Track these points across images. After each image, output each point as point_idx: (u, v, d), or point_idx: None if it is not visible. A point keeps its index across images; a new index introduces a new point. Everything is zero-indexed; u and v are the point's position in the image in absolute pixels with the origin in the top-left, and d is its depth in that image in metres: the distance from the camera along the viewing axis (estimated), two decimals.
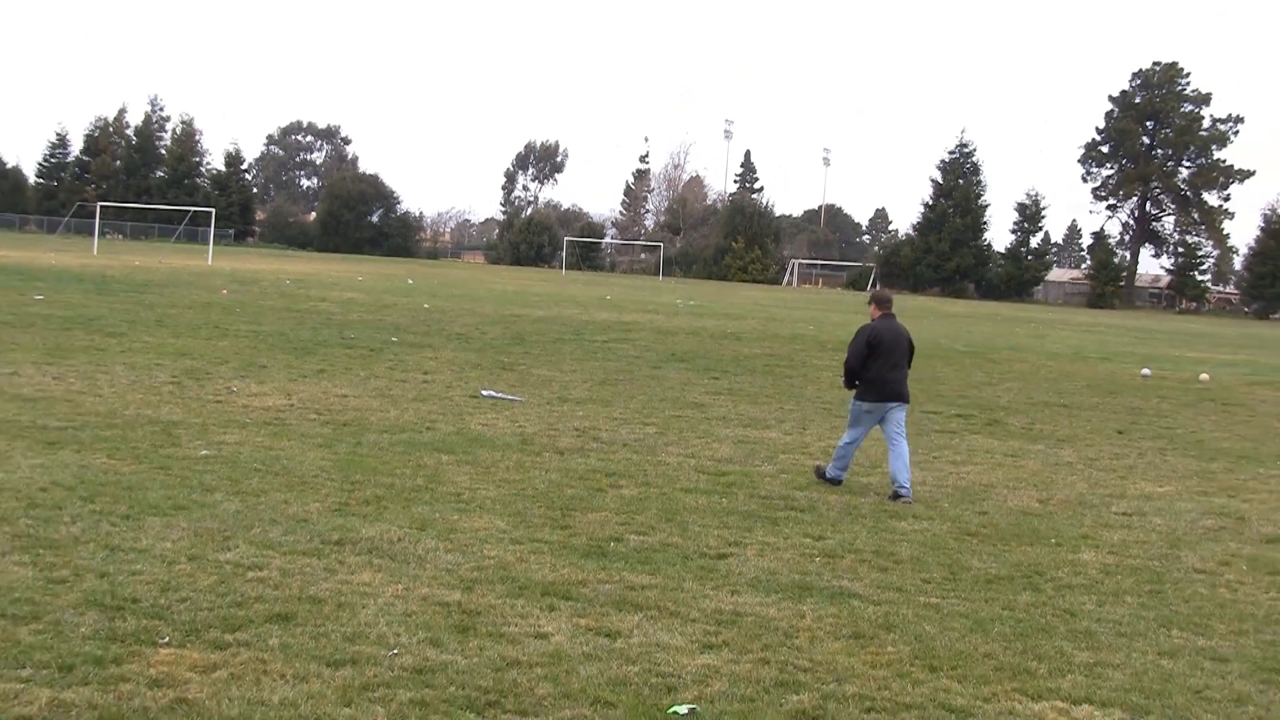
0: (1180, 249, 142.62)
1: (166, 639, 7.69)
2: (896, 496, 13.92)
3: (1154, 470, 17.44)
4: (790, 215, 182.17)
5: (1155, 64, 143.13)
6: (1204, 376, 34.18)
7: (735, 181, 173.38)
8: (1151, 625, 9.58)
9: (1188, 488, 16.14)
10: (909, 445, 14.44)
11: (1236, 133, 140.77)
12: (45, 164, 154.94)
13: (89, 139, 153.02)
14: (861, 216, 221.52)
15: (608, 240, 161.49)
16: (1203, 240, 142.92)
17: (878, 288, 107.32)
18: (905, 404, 14.55)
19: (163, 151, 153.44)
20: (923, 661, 8.29)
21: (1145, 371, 34.57)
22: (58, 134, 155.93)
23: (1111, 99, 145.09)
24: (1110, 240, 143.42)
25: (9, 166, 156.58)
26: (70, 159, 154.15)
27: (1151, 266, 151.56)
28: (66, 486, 11.56)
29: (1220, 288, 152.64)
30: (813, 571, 10.49)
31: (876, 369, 14.34)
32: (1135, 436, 20.98)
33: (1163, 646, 9.04)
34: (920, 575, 10.64)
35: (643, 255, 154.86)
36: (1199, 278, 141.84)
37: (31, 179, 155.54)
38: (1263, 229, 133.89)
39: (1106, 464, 17.72)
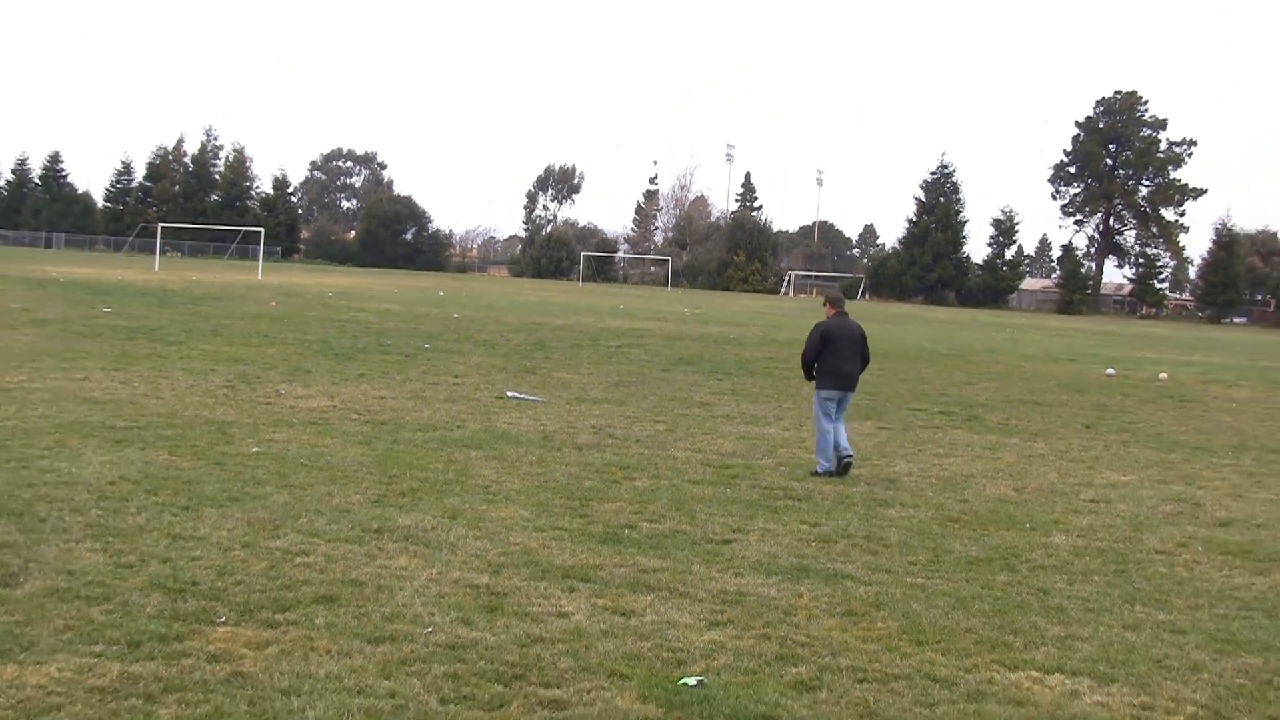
0: (1141, 260, 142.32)
1: (223, 618, 7.71)
2: (843, 461, 14.44)
3: (1118, 461, 17.41)
4: (787, 231, 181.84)
5: (1117, 92, 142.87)
6: (1163, 375, 34.09)
7: (737, 200, 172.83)
8: (1117, 601, 9.56)
9: (1149, 476, 16.11)
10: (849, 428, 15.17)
11: (1190, 154, 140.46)
12: (112, 189, 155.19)
13: (151, 166, 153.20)
14: (852, 231, 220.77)
15: (620, 254, 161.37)
16: (1161, 252, 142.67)
17: (863, 295, 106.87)
18: (853, 393, 15.06)
19: (217, 177, 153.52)
20: (910, 636, 8.28)
21: (1110, 371, 34.49)
22: (123, 162, 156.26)
23: (1078, 124, 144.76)
24: (1077, 252, 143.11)
25: (80, 192, 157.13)
26: (134, 184, 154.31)
27: (1115, 276, 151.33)
28: (132, 480, 11.59)
29: (1177, 295, 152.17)
30: (809, 555, 10.48)
31: (832, 360, 14.82)
32: (1101, 430, 20.94)
33: (1127, 620, 9.02)
34: (907, 558, 10.63)
35: (653, 268, 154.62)
36: (1158, 286, 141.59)
37: (100, 203, 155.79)
38: (1214, 242, 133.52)
39: (1075, 455, 17.68)
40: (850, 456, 14.55)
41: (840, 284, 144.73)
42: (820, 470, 14.58)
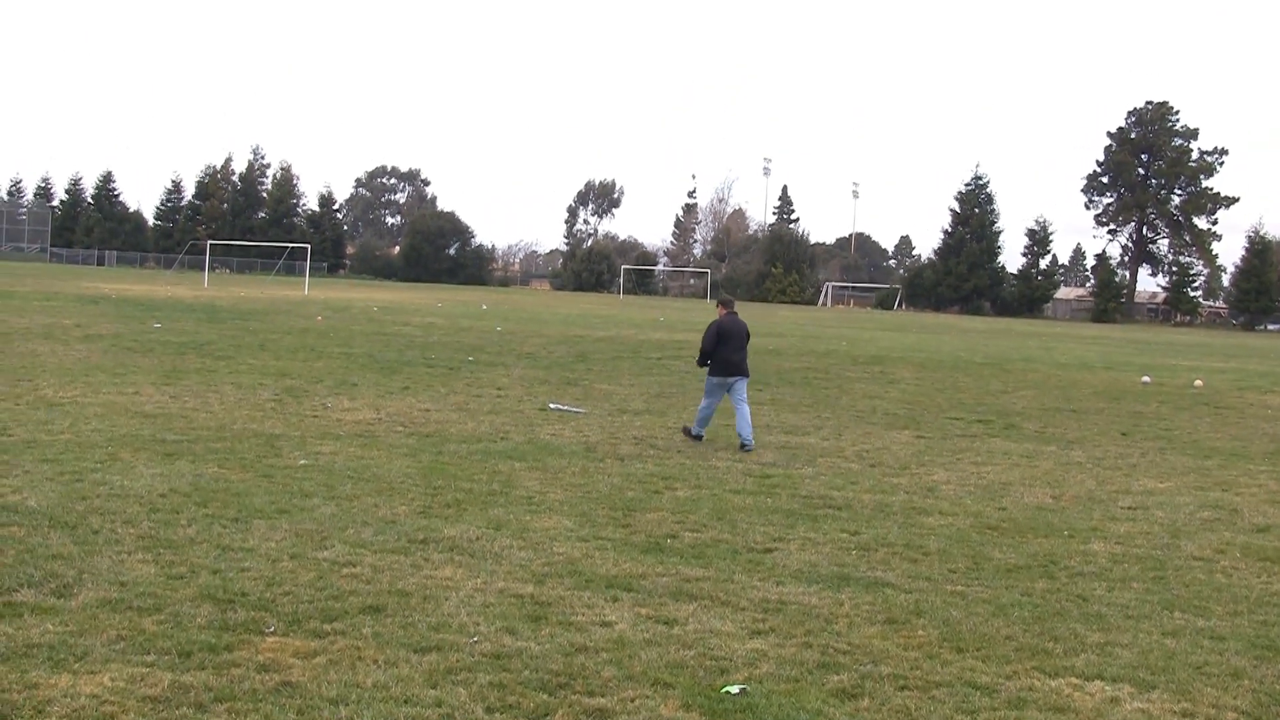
0: (1174, 268, 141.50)
1: (272, 628, 7.71)
2: (744, 448, 16.59)
3: (1155, 468, 17.23)
4: (824, 243, 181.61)
5: (1148, 103, 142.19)
6: (1198, 382, 33.78)
7: (774, 213, 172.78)
8: (1156, 608, 9.44)
9: (1186, 483, 15.93)
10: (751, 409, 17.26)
11: (1222, 163, 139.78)
12: (162, 207, 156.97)
13: (200, 185, 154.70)
14: (888, 243, 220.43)
15: (660, 267, 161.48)
16: (1194, 260, 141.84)
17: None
18: (746, 378, 17.41)
19: (264, 195, 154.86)
20: (950, 644, 8.20)
21: (1145, 379, 34.19)
22: (173, 181, 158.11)
23: (1110, 135, 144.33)
24: (1111, 261, 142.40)
25: (131, 211, 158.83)
26: (184, 203, 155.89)
27: (1149, 284, 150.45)
28: (183, 493, 11.63)
29: (1210, 303, 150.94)
30: (850, 563, 10.41)
31: (724, 352, 17.23)
32: (1137, 438, 20.74)
33: (1166, 627, 8.91)
34: (947, 566, 10.54)
35: (692, 280, 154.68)
36: (1191, 294, 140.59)
37: (151, 221, 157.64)
38: (1247, 249, 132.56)
39: (1112, 463, 17.52)
40: (749, 445, 16.62)
41: (877, 294, 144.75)
42: (694, 432, 17.33)
